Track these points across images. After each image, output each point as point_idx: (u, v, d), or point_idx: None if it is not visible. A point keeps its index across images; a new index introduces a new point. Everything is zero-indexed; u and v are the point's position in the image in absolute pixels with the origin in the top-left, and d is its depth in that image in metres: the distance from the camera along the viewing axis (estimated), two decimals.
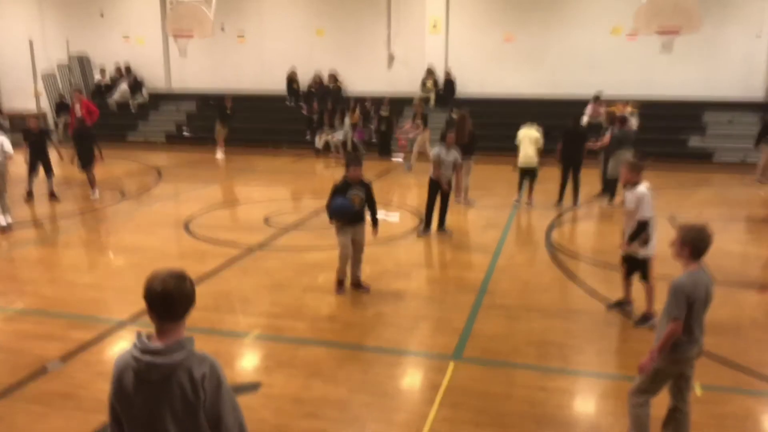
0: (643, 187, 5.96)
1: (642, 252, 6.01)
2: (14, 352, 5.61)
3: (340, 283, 6.99)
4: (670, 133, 16.81)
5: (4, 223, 9.59)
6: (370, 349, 5.70)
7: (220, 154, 16.89)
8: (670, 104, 17.55)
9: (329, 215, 6.68)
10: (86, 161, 11.86)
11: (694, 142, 16.74)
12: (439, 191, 9.13)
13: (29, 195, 11.69)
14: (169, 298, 2.40)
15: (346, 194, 6.61)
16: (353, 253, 6.88)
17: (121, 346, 5.83)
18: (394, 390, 5.03)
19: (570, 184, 11.13)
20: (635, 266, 6.18)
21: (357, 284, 7.03)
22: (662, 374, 3.93)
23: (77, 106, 14.72)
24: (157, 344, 2.40)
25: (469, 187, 11.46)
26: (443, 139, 9.22)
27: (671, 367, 3.91)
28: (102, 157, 12.39)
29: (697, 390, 4.90)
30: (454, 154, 9.07)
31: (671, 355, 3.86)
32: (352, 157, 6.81)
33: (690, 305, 3.76)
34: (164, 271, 2.46)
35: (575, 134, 11.20)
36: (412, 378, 5.31)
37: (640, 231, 5.92)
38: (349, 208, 6.61)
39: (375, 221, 6.92)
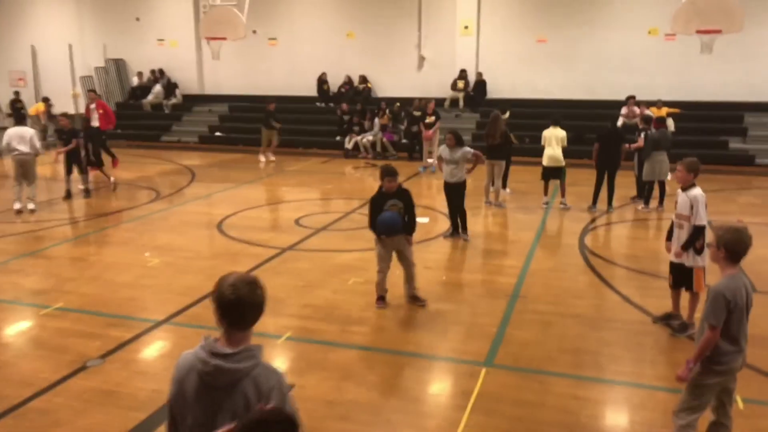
0: (699, 190, 5.79)
1: (692, 261, 5.78)
2: (56, 349, 5.77)
3: (380, 299, 6.70)
4: (709, 135, 16.44)
5: (18, 207, 10.77)
6: (401, 353, 5.71)
7: (264, 158, 16.76)
8: (709, 106, 17.16)
9: (378, 232, 6.38)
10: (94, 162, 12.37)
11: (735, 144, 16.32)
12: (452, 194, 9.09)
13: (67, 194, 12.01)
14: (241, 306, 2.33)
15: (383, 207, 6.38)
16: (404, 268, 6.61)
17: (158, 345, 5.96)
18: (426, 395, 5.04)
19: (604, 187, 10.97)
20: (683, 276, 5.91)
21: (413, 298, 6.72)
22: (706, 388, 3.79)
23: (92, 107, 14.27)
24: (226, 349, 2.33)
25: (500, 189, 11.38)
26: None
27: (714, 380, 3.77)
28: (115, 160, 12.70)
29: (738, 403, 4.81)
30: (458, 154, 8.93)
31: (714, 366, 3.73)
32: (387, 169, 6.47)
33: (730, 312, 3.63)
34: (235, 276, 2.40)
35: (612, 136, 11.00)
36: (443, 383, 5.30)
37: (696, 237, 5.67)
38: (398, 220, 6.32)
39: (410, 228, 6.59)
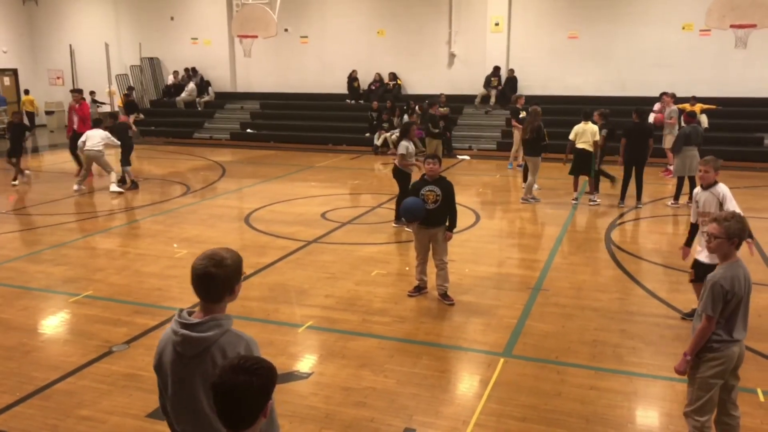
0: (724, 186, 5.71)
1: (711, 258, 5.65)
2: (84, 334, 5.95)
3: (416, 288, 6.73)
4: (744, 132, 16.08)
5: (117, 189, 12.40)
6: (420, 342, 5.74)
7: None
8: (744, 102, 16.78)
9: (402, 215, 6.39)
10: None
11: None
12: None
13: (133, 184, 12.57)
14: (205, 279, 2.47)
15: (419, 192, 6.31)
16: (433, 256, 6.50)
17: None
18: (443, 383, 5.05)
19: (633, 182, 10.81)
20: (706, 272, 5.83)
21: (442, 295, 6.61)
22: (707, 383, 3.68)
23: (75, 108, 13.87)
24: (194, 319, 2.48)
25: (533, 184, 11.28)
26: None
27: (713, 371, 3.66)
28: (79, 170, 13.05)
29: (759, 396, 4.73)
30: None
31: (708, 355, 3.65)
32: (429, 153, 6.45)
33: (727, 302, 3.57)
34: (208, 252, 2.54)
35: (640, 130, 10.79)
36: (461, 372, 5.32)
37: None
38: (420, 207, 6.21)
39: (451, 224, 6.44)
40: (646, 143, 10.72)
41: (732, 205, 5.55)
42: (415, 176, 7.82)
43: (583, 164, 10.87)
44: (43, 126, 24.06)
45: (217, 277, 2.47)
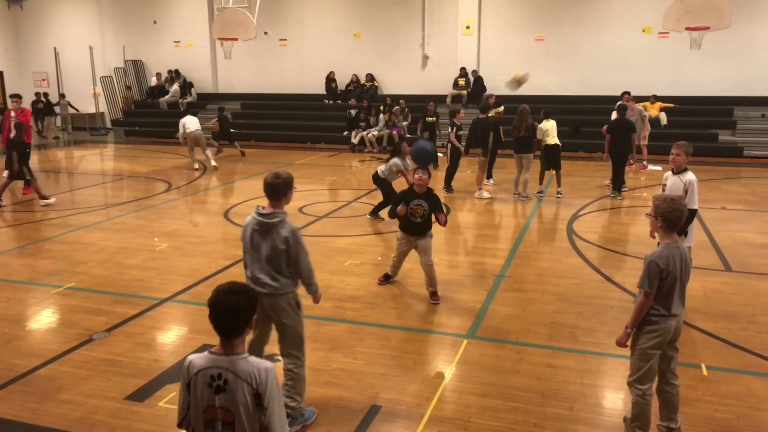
0: (692, 174, 5.86)
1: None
2: (66, 323, 6.15)
3: (385, 276, 7.07)
4: (700, 129, 16.76)
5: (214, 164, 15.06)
6: (389, 327, 6.02)
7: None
8: (700, 100, 17.56)
9: (415, 159, 6.93)
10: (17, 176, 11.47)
11: (725, 137, 16.63)
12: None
13: None
14: (269, 190, 4.29)
15: (409, 204, 6.41)
16: (424, 269, 6.58)
17: (161, 320, 6.31)
18: (409, 363, 5.31)
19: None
20: None
21: (431, 294, 6.68)
22: (645, 354, 3.91)
23: (12, 114, 11.59)
24: (266, 211, 4.22)
25: (528, 182, 11.59)
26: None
27: (650, 342, 3.90)
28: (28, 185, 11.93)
29: (703, 370, 5.06)
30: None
31: (646, 327, 3.89)
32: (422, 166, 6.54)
33: (663, 279, 3.79)
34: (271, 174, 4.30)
35: (623, 126, 11.46)
36: (426, 353, 5.58)
37: (690, 220, 5.77)
38: (431, 150, 7.02)
39: (440, 216, 6.48)
40: (629, 138, 11.44)
41: (694, 195, 5.81)
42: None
43: (555, 159, 11.31)
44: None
45: (279, 187, 4.24)
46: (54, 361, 5.33)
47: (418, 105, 18.97)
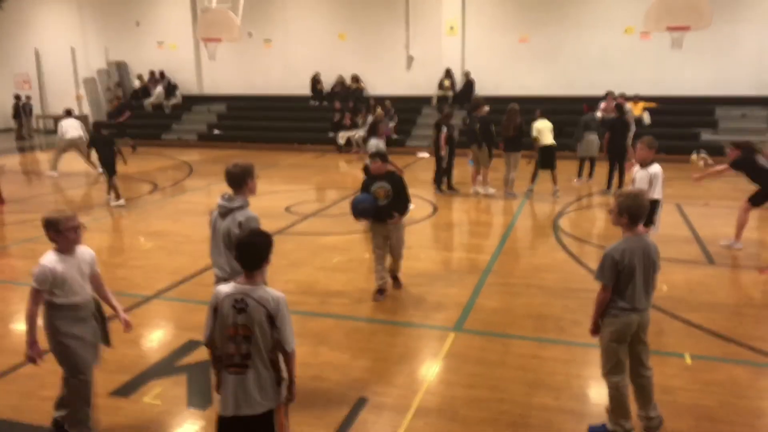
0: (658, 167, 6.10)
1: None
2: None
3: (379, 291, 6.51)
4: (682, 128, 16.97)
5: None
6: (376, 321, 6.03)
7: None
8: (682, 100, 17.77)
9: (354, 215, 6.26)
10: None
11: (706, 136, 16.80)
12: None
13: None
14: (229, 178, 4.54)
15: (370, 190, 6.32)
16: (391, 251, 6.49)
17: (146, 316, 6.28)
18: (396, 356, 5.32)
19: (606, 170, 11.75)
20: None
21: (393, 277, 6.75)
22: (611, 347, 3.93)
23: None
24: (227, 197, 4.46)
25: (514, 180, 11.62)
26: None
27: (611, 336, 3.91)
28: None
29: (687, 359, 5.11)
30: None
31: (608, 320, 3.91)
32: (374, 152, 6.47)
33: (619, 272, 3.79)
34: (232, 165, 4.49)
35: (621, 125, 11.70)
36: (414, 346, 5.59)
37: (654, 210, 5.92)
38: (371, 204, 6.17)
39: (401, 210, 6.38)
40: (626, 135, 11.75)
41: (657, 186, 5.99)
42: None
43: (550, 159, 11.39)
44: (10, 131, 23.80)
45: (237, 175, 4.47)
46: (39, 359, 5.26)
47: (404, 107, 19.22)
